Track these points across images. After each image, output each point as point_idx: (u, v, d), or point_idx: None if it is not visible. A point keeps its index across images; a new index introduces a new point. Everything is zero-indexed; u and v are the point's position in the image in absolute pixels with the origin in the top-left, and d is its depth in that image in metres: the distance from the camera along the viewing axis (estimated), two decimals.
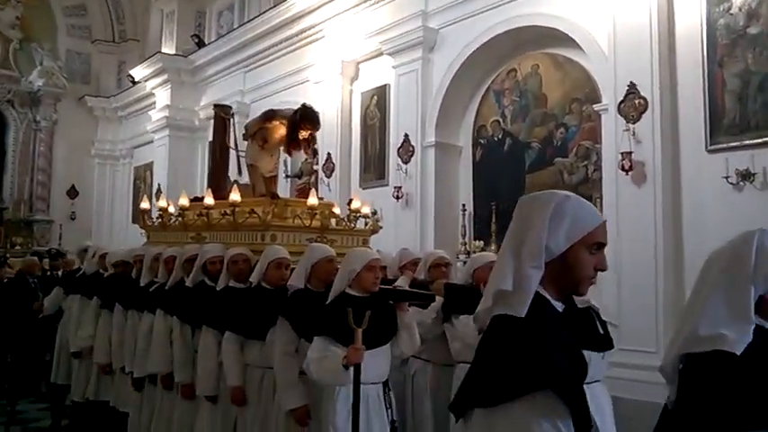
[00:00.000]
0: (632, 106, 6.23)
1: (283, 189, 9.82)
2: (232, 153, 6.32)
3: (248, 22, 11.71)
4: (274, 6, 10.99)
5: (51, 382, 6.53)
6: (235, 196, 4.68)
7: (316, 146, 10.41)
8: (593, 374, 3.01)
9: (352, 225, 5.14)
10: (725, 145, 5.73)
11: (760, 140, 5.53)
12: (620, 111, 6.31)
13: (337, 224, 5.12)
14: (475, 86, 8.47)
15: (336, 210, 5.32)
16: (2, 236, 14.70)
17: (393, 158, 8.80)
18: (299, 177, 10.42)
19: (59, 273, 8.27)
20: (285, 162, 10.97)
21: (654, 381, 5.59)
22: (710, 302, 1.69)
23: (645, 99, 6.15)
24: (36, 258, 9.14)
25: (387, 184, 8.84)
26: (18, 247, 14.43)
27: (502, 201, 7.94)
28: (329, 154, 9.80)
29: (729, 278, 1.72)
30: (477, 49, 8.03)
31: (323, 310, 3.43)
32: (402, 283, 4.15)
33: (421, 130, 8.51)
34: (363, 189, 9.14)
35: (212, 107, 6.67)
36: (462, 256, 7.64)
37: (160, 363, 4.59)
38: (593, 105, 6.96)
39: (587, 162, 7.17)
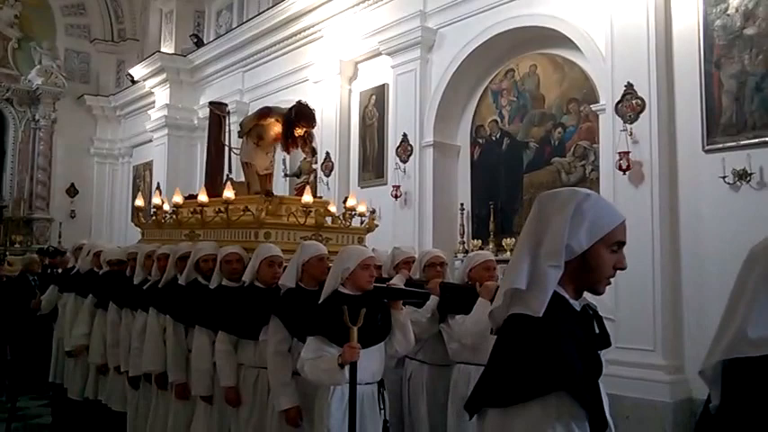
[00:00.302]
0: (629, 106, 6.25)
1: (282, 188, 9.86)
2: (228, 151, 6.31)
3: (247, 21, 11.73)
4: (273, 6, 11.00)
5: (51, 382, 6.53)
6: (228, 193, 4.65)
7: (314, 144, 10.47)
8: None
9: (348, 223, 5.10)
10: (722, 145, 5.76)
11: (756, 140, 5.56)
12: (617, 111, 6.33)
13: (333, 222, 5.10)
14: (473, 86, 8.50)
15: (332, 208, 5.31)
16: (1, 234, 14.71)
17: (391, 158, 8.83)
18: (298, 176, 10.43)
19: (59, 270, 8.28)
20: (284, 161, 11.00)
21: (651, 378, 5.67)
22: (758, 304, 1.58)
23: (642, 99, 6.18)
24: (36, 256, 9.16)
25: (385, 184, 8.87)
26: (17, 246, 14.45)
27: (500, 200, 7.98)
28: (328, 153, 9.82)
29: None
30: (476, 49, 8.05)
31: (316, 309, 3.38)
32: (397, 282, 4.10)
33: (419, 129, 8.53)
34: (362, 188, 9.17)
35: (208, 104, 6.63)
36: (461, 256, 7.66)
37: (154, 361, 4.56)
38: (591, 105, 7.00)
39: (585, 162, 7.19)
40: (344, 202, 5.22)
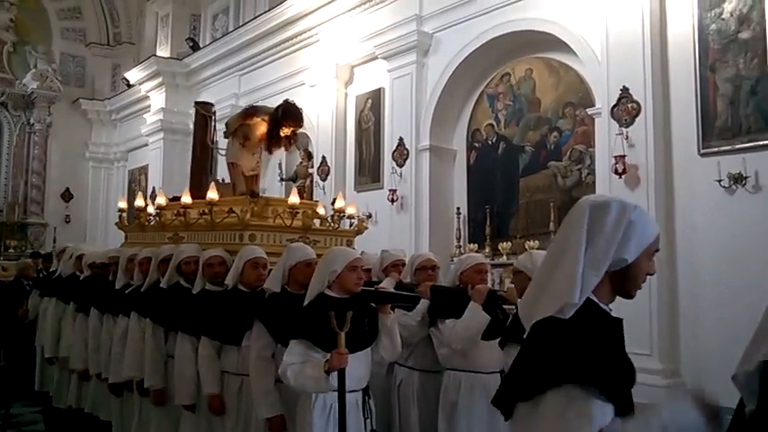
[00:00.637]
0: (625, 110, 6.27)
1: (279, 192, 9.87)
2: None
3: (243, 25, 11.72)
4: (269, 10, 11.01)
5: (38, 390, 6.40)
6: (212, 194, 4.46)
7: (309, 149, 10.48)
8: None
9: (336, 225, 4.91)
10: (717, 149, 5.78)
11: (751, 144, 5.58)
12: (613, 115, 6.35)
13: (321, 224, 4.92)
14: (469, 90, 8.51)
15: (321, 210, 5.13)
16: None
17: (388, 162, 8.83)
18: (294, 181, 10.45)
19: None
20: (280, 165, 11.01)
21: (648, 383, 5.66)
22: None
23: (638, 103, 6.20)
24: (31, 261, 9.09)
25: (382, 188, 8.87)
26: (12, 251, 14.39)
27: (496, 204, 7.99)
28: (324, 157, 9.82)
29: None
30: (472, 53, 8.07)
31: (301, 311, 3.21)
32: (387, 285, 3.92)
33: (415, 133, 8.54)
34: (358, 192, 9.17)
35: (194, 104, 6.47)
36: (457, 260, 7.66)
37: (134, 368, 4.37)
38: (587, 109, 7.01)
39: (581, 165, 7.21)
40: (333, 203, 5.03)
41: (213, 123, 6.10)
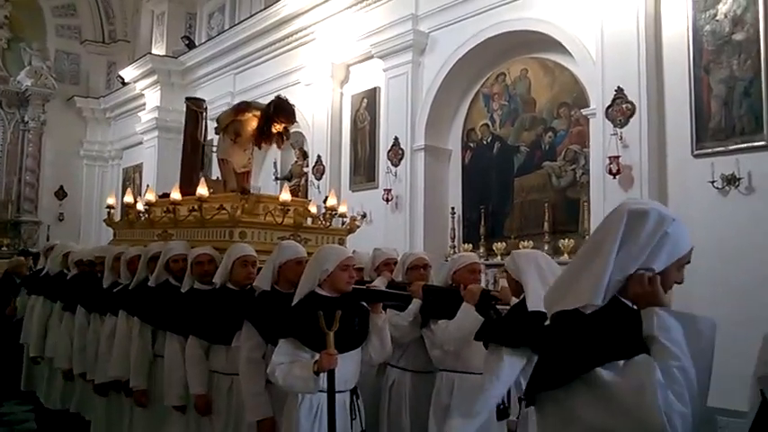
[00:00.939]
0: (620, 111, 6.29)
1: (273, 192, 9.82)
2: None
3: (239, 23, 11.72)
4: (265, 8, 11.00)
5: (24, 390, 6.33)
6: (202, 190, 4.41)
7: (305, 148, 10.47)
8: None
9: (328, 224, 4.88)
10: (711, 150, 5.80)
11: (745, 145, 5.60)
12: (607, 115, 6.37)
13: (313, 222, 4.89)
14: (464, 90, 8.52)
15: (313, 208, 5.09)
16: None
17: (383, 161, 8.83)
18: (289, 180, 10.44)
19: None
20: (275, 164, 11.01)
21: None
22: None
23: (632, 104, 6.22)
24: (23, 258, 9.04)
25: (376, 187, 8.87)
26: (5, 249, 14.33)
27: (491, 204, 7.99)
28: (319, 156, 9.82)
29: None
30: (467, 52, 8.08)
31: (290, 310, 3.16)
32: (379, 284, 3.87)
33: (411, 133, 8.55)
34: (353, 192, 9.17)
35: (185, 100, 6.38)
36: (450, 259, 7.66)
37: (121, 368, 4.31)
38: (582, 110, 7.03)
39: (575, 166, 7.22)
40: (324, 201, 5.01)
41: (204, 119, 6.04)
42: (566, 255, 6.71)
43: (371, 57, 9.19)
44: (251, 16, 11.36)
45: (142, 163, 14.39)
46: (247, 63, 11.70)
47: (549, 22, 7.20)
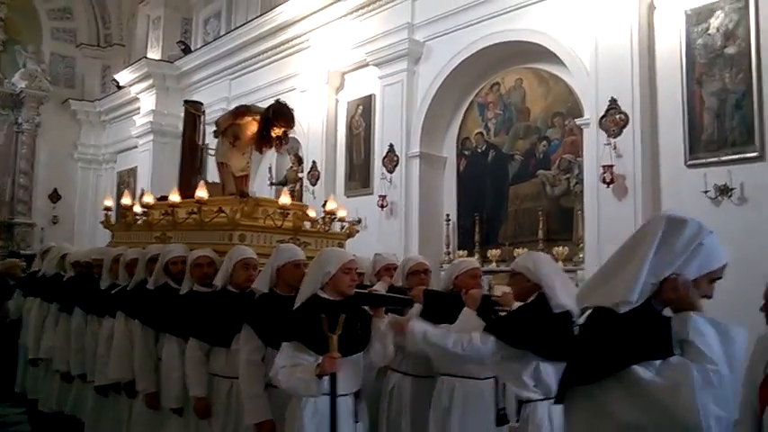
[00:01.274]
0: (613, 121, 6.37)
1: (268, 196, 9.85)
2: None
3: (235, 29, 11.74)
4: (261, 15, 11.04)
5: (18, 392, 6.31)
6: (201, 193, 4.40)
7: (300, 153, 10.50)
8: None
9: (327, 228, 4.89)
10: (704, 160, 5.89)
11: (737, 156, 5.69)
12: (601, 125, 6.45)
13: (312, 227, 4.89)
14: (459, 99, 8.59)
15: (312, 213, 5.09)
16: None
17: (378, 168, 8.88)
18: (284, 185, 10.46)
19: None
20: (270, 170, 11.03)
21: None
22: None
23: (626, 114, 6.30)
24: (16, 260, 9.00)
25: (371, 193, 8.91)
26: None
27: (485, 211, 8.05)
28: (314, 162, 9.85)
29: None
30: (462, 62, 8.15)
31: (292, 313, 3.16)
32: (379, 289, 3.88)
33: (406, 140, 8.60)
34: (348, 197, 9.20)
35: (183, 103, 6.41)
36: (446, 266, 7.71)
37: (121, 369, 4.29)
38: (575, 119, 7.10)
39: (569, 175, 7.29)
40: (324, 205, 5.01)
41: (203, 122, 6.04)
42: (560, 262, 6.76)
43: (367, 64, 9.24)
44: (247, 22, 11.40)
45: (137, 167, 14.37)
46: (243, 69, 11.73)
47: (543, 33, 7.27)
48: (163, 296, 4.15)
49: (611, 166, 6.27)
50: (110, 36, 16.66)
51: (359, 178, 9.35)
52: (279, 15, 10.48)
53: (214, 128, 5.40)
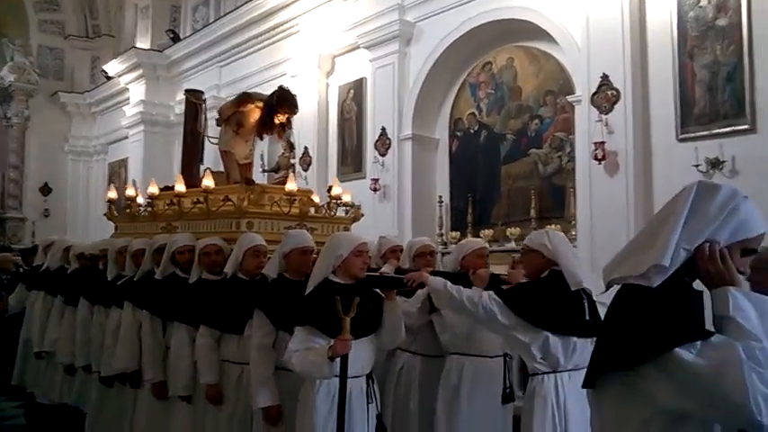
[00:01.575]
0: (605, 97, 6.35)
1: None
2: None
3: (224, 16, 11.67)
4: (250, 0, 10.96)
5: (15, 385, 6.29)
6: (207, 182, 4.42)
7: (291, 139, 10.44)
8: (580, 361, 3.01)
9: (333, 213, 4.92)
10: (695, 134, 5.88)
11: (728, 129, 5.68)
12: (593, 102, 6.43)
13: (316, 212, 4.93)
14: (451, 79, 8.55)
15: (315, 198, 5.14)
16: None
17: (370, 151, 8.85)
18: (276, 172, 10.39)
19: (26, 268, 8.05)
20: (261, 156, 10.95)
21: None
22: None
23: (617, 90, 6.28)
24: (10, 255, 8.95)
25: (364, 177, 8.89)
26: None
27: (478, 192, 8.04)
28: (306, 148, 9.81)
29: None
30: (453, 42, 8.11)
31: (305, 297, 3.18)
32: (387, 271, 3.91)
33: (398, 122, 8.57)
34: (341, 182, 9.11)
35: (184, 92, 6.41)
36: (440, 247, 7.70)
37: (128, 359, 4.28)
38: (567, 97, 7.08)
39: (561, 153, 7.27)
40: (329, 190, 5.03)
41: (204, 111, 6.04)
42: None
43: (357, 47, 9.20)
44: (236, 9, 11.31)
45: (128, 157, 14.31)
46: (233, 55, 11.67)
47: (534, 11, 7.24)
48: (171, 285, 4.15)
49: (603, 143, 6.26)
50: (98, 27, 16.53)
51: (351, 162, 9.32)
52: (268, 1, 10.41)
53: (216, 116, 5.40)
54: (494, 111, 8.01)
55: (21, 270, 8.29)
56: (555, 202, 7.27)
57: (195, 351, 3.81)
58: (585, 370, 3.03)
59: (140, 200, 5.39)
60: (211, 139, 5.75)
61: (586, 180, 6.49)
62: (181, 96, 12.93)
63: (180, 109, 13.08)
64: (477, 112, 8.22)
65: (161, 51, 13.27)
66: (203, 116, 6.04)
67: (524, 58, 7.71)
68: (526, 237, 7.04)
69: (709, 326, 1.60)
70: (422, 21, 8.48)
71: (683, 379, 1.50)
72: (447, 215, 8.38)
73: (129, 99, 14.16)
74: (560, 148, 7.29)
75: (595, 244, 6.19)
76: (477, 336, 3.57)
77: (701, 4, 5.90)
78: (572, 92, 7.00)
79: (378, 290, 3.34)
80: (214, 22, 11.99)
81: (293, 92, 5.00)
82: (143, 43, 13.78)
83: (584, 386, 1.76)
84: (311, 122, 9.79)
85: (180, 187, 4.68)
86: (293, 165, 10.36)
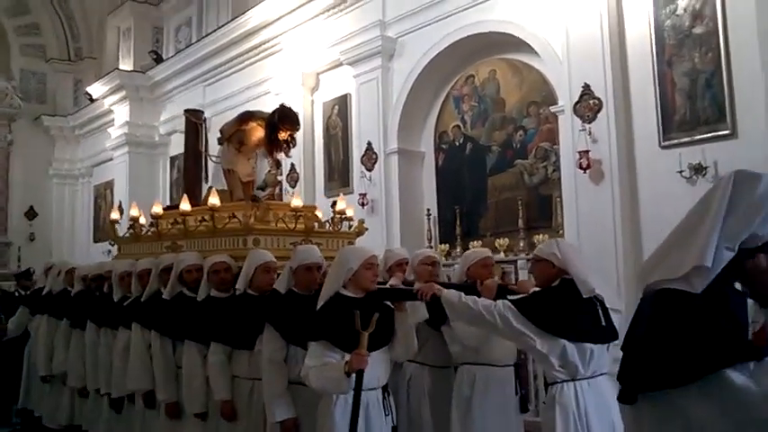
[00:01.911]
0: (587, 107, 6.42)
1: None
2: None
3: (206, 36, 11.69)
4: (232, 20, 11.00)
5: (20, 408, 6.27)
6: (214, 200, 4.50)
7: (279, 156, 10.45)
8: (597, 368, 3.06)
9: (338, 227, 4.97)
10: (677, 141, 5.95)
11: (710, 135, 5.75)
12: (575, 111, 6.49)
13: (320, 227, 4.97)
14: (435, 93, 8.61)
15: (318, 213, 5.20)
16: None
17: (357, 166, 8.88)
18: (264, 189, 10.40)
19: (22, 292, 8.01)
20: None
21: (614, 373, 5.77)
22: None
23: (599, 99, 6.35)
24: None
25: (352, 192, 8.89)
26: None
27: (465, 204, 8.08)
28: (293, 164, 9.81)
29: None
30: (436, 56, 8.17)
31: (318, 313, 3.20)
32: (396, 284, 3.95)
33: (383, 137, 8.61)
34: (328, 197, 9.18)
35: (183, 112, 6.46)
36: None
37: (140, 380, 4.34)
38: (550, 107, 7.15)
39: (546, 162, 7.33)
40: (333, 206, 5.09)
41: (204, 130, 6.08)
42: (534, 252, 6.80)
43: (341, 64, 9.25)
44: (218, 28, 11.35)
45: (113, 179, 14.24)
46: (216, 75, 11.68)
47: (514, 24, 7.32)
48: (180, 305, 4.18)
49: (587, 152, 6.32)
50: (80, 50, 16.48)
51: (338, 178, 9.34)
52: (250, 20, 10.45)
53: (219, 135, 5.45)
54: (478, 123, 8.07)
55: (17, 294, 8.21)
56: (542, 211, 7.32)
57: (207, 368, 3.85)
58: (603, 376, 3.03)
59: (142, 220, 5.42)
60: (213, 159, 5.79)
61: (572, 189, 6.55)
62: (165, 117, 13.03)
63: (164, 129, 13.13)
64: (461, 125, 8.27)
65: (144, 72, 13.25)
66: (204, 135, 6.06)
67: (507, 70, 7.78)
68: (514, 248, 7.16)
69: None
70: (403, 36, 8.54)
71: (733, 404, 1.35)
72: (435, 228, 8.40)
73: (113, 121, 14.09)
74: (545, 158, 7.35)
75: (583, 252, 6.20)
76: (487, 347, 3.61)
77: (677, 12, 5.99)
78: (555, 102, 7.07)
79: (388, 302, 3.37)
80: (197, 42, 12.00)
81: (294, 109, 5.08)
82: (126, 65, 13.76)
83: (622, 401, 1.61)
84: (297, 139, 9.74)
85: (185, 206, 4.74)
86: (280, 182, 10.38)
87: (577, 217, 6.42)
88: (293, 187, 9.75)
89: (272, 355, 3.48)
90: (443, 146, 8.47)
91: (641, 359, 1.54)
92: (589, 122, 6.38)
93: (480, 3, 7.61)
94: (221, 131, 5.39)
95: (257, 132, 5.07)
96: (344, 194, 8.91)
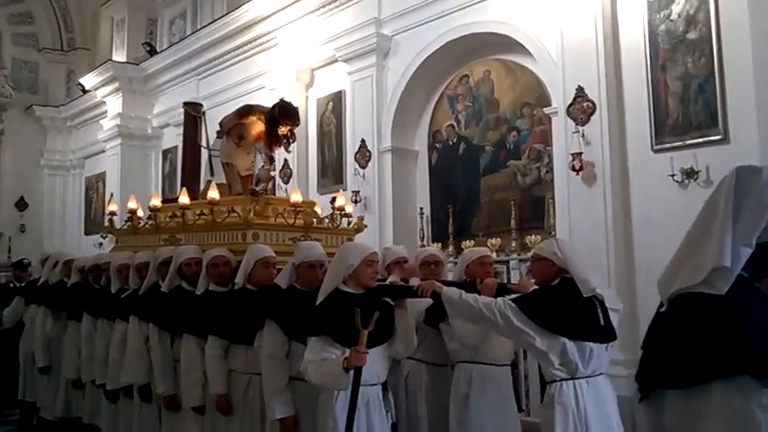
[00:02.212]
0: (581, 109, 6.45)
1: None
2: (204, 152, 6.14)
3: (201, 29, 11.65)
4: (227, 14, 10.96)
5: (19, 399, 6.28)
6: (213, 194, 4.49)
7: (272, 153, 10.44)
8: (597, 367, 3.08)
9: (338, 224, 4.96)
10: (669, 145, 5.99)
11: (702, 140, 5.79)
12: (569, 113, 6.52)
13: (319, 223, 4.96)
14: (429, 92, 8.62)
15: (317, 209, 5.20)
16: None
17: (350, 163, 8.89)
18: (257, 184, 10.40)
19: (17, 284, 7.98)
20: None
21: (611, 373, 5.80)
22: None
23: (593, 102, 6.38)
24: None
25: (345, 189, 8.89)
26: None
27: (458, 203, 8.11)
28: (286, 160, 9.80)
29: None
30: (431, 55, 8.18)
31: (318, 308, 3.21)
32: (396, 280, 3.97)
33: (377, 135, 8.61)
34: (321, 194, 9.18)
35: (182, 105, 6.44)
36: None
37: (136, 373, 4.34)
38: (544, 109, 7.18)
39: (539, 164, 7.37)
40: (332, 202, 5.08)
41: (204, 123, 6.06)
42: (533, 251, 6.83)
43: (336, 60, 9.24)
44: (213, 22, 11.31)
45: (105, 171, 14.18)
46: (211, 69, 11.63)
47: (510, 25, 7.34)
48: (178, 298, 4.18)
49: (580, 154, 6.35)
50: (73, 40, 16.38)
51: (331, 175, 9.35)
52: (245, 14, 10.42)
53: (218, 128, 5.49)
54: (472, 123, 8.09)
55: (12, 285, 8.18)
56: (534, 212, 7.36)
57: (205, 362, 3.86)
58: (601, 376, 3.05)
59: (140, 213, 5.41)
60: (212, 152, 5.78)
61: (565, 190, 6.58)
62: (158, 110, 12.99)
63: (157, 122, 13.09)
64: (455, 125, 8.30)
65: (137, 64, 13.18)
66: (203, 128, 6.05)
67: (501, 71, 7.80)
68: (506, 248, 7.19)
69: None
70: (398, 34, 8.54)
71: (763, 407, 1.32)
72: (428, 226, 8.43)
73: (105, 112, 14.02)
74: (538, 159, 7.38)
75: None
76: (485, 345, 3.63)
77: (671, 17, 6.02)
78: (548, 104, 7.10)
79: (388, 299, 3.38)
80: (191, 35, 11.95)
81: (294, 105, 5.09)
82: (119, 56, 13.69)
83: (640, 400, 1.62)
84: None
85: (184, 199, 4.73)
86: (273, 177, 10.37)
87: (569, 218, 6.46)
88: (286, 183, 9.75)
89: (273, 351, 3.47)
90: (437, 145, 8.50)
91: (660, 358, 1.55)
92: (582, 125, 6.42)
93: (476, 3, 7.62)
94: (221, 125, 5.39)
95: (257, 126, 5.06)
96: (337, 191, 9.01)
